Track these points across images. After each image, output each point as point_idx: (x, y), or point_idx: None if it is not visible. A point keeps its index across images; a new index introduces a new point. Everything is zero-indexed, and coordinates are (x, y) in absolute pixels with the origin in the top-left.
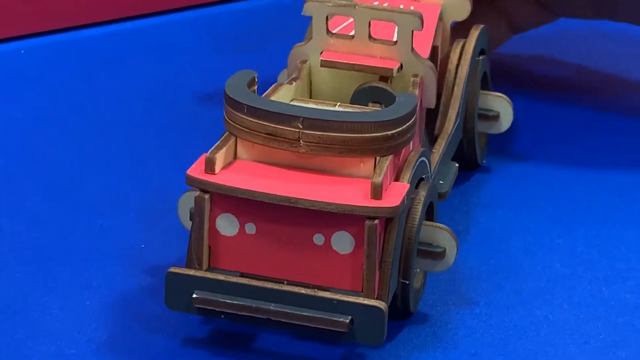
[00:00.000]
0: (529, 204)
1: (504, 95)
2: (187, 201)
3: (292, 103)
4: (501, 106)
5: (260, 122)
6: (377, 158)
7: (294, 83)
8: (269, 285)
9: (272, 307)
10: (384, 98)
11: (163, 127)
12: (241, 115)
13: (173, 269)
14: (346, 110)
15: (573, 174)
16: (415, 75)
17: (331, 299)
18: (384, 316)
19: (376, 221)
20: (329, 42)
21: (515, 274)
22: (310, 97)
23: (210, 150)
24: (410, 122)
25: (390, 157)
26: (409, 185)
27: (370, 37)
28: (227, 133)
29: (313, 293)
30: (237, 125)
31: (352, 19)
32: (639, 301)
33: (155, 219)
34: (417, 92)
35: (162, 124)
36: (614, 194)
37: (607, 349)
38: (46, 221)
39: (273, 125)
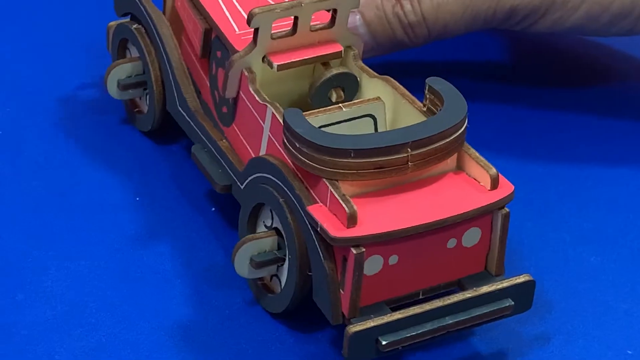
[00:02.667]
0: (503, 152)
1: None
2: (246, 252)
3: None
4: None
5: (369, 160)
6: (461, 150)
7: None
8: (439, 303)
9: (450, 321)
10: (345, 82)
11: None
12: (346, 160)
13: (355, 328)
14: (433, 118)
15: (549, 126)
16: (349, 47)
17: (493, 291)
18: (535, 284)
19: (506, 209)
20: (272, 45)
21: None
22: None
23: (344, 205)
24: None
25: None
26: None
27: (310, 28)
28: (329, 180)
29: (476, 293)
30: (341, 170)
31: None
32: (600, 264)
33: (148, 171)
34: (361, 62)
35: None
36: (589, 149)
37: (566, 318)
38: (43, 175)
39: (382, 159)
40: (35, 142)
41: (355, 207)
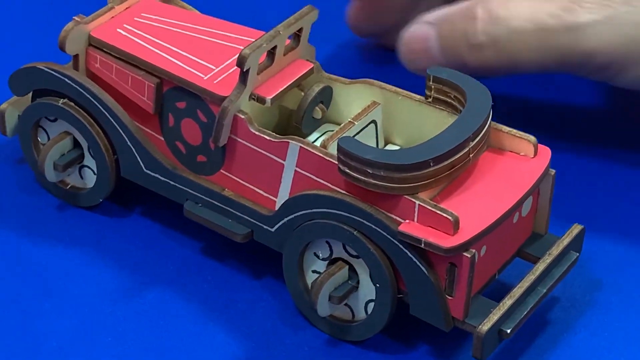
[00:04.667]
0: None
1: None
2: (326, 291)
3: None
4: None
5: (445, 163)
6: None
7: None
8: (532, 277)
9: (543, 290)
10: (323, 95)
11: None
12: (426, 171)
13: (485, 327)
14: (472, 105)
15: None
16: (309, 61)
17: (562, 250)
18: (585, 230)
19: (552, 169)
20: (257, 80)
21: None
22: None
23: (444, 214)
24: None
25: None
26: None
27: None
28: (411, 195)
29: (552, 257)
30: (421, 182)
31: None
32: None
33: (130, 241)
34: (324, 72)
35: None
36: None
37: None
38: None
39: (455, 158)
40: None
41: (455, 213)
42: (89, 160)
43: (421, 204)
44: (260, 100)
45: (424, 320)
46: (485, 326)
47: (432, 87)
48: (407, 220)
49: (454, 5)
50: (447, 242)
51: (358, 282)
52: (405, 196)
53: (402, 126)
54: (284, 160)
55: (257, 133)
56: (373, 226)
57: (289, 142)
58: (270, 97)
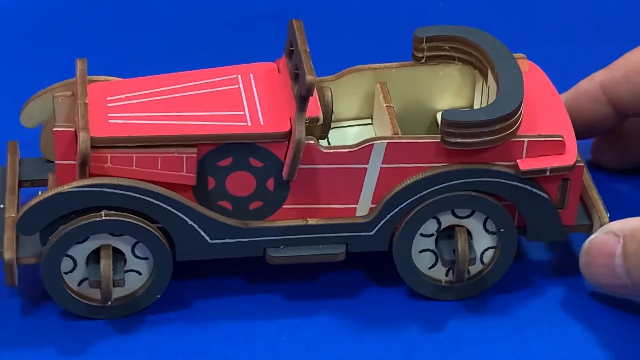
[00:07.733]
0: None
1: None
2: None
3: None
4: None
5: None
6: None
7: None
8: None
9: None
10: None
11: None
12: (520, 113)
13: (605, 219)
14: (503, 58)
15: None
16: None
17: None
18: None
19: None
20: None
21: None
22: None
23: (552, 138)
24: None
25: None
26: None
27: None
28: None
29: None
30: (518, 124)
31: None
32: None
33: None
34: None
35: None
36: None
37: None
38: None
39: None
40: None
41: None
42: (132, 263)
43: (529, 139)
44: (314, 120)
45: (542, 241)
46: (605, 218)
47: (425, 47)
48: (518, 160)
49: None
50: (567, 160)
51: (472, 238)
52: (512, 140)
53: (398, 93)
54: (367, 164)
55: (330, 151)
56: (489, 179)
57: (373, 143)
58: (319, 114)
